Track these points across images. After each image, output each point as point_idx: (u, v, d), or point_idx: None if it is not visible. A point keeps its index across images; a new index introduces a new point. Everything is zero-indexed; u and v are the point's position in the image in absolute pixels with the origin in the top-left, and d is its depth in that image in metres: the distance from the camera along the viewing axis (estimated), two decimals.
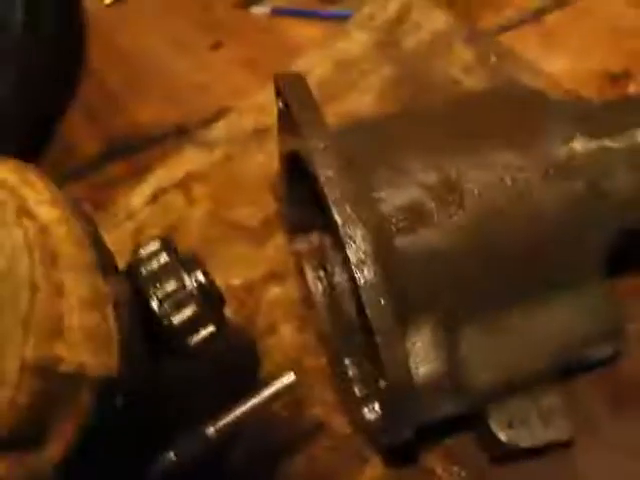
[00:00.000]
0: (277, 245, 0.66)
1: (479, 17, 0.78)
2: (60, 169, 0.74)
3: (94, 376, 0.38)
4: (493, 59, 0.71)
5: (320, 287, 0.60)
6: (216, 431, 0.48)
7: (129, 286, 0.46)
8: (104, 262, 0.42)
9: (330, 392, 0.59)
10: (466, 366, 0.51)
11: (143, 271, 0.48)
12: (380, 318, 0.46)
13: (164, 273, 0.48)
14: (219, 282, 0.65)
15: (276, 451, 0.57)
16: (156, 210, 0.70)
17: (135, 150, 0.75)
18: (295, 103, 0.50)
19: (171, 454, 0.47)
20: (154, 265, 0.48)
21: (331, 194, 0.47)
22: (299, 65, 0.76)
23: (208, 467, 0.53)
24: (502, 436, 0.52)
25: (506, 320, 0.52)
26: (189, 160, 0.73)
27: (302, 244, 0.61)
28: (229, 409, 0.49)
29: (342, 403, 0.58)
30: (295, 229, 0.61)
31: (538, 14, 0.76)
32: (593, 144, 0.52)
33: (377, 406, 0.53)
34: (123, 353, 0.40)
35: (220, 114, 0.75)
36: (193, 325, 0.48)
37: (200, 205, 0.70)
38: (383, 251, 0.47)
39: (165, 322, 0.47)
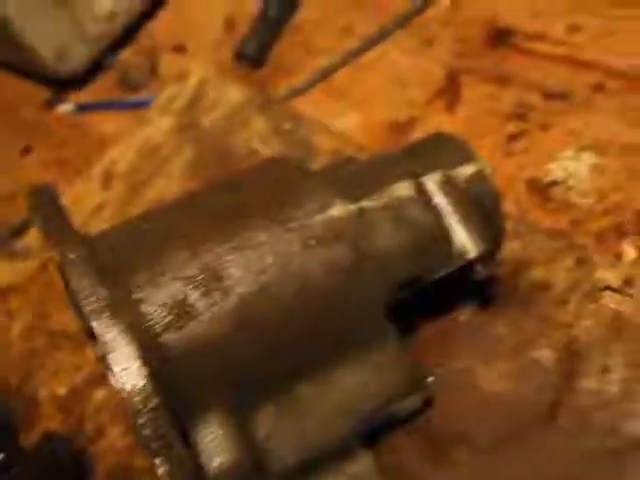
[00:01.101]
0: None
1: (274, 85, 0.79)
2: None
3: None
4: (287, 126, 0.72)
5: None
6: None
7: None
8: None
9: None
10: (267, 448, 0.51)
11: None
12: (152, 424, 0.45)
13: None
14: (44, 394, 0.65)
15: None
16: None
17: None
18: (41, 217, 0.50)
19: None
20: None
21: (86, 304, 0.46)
22: (107, 157, 0.77)
23: None
24: None
25: (298, 395, 0.52)
26: (5, 273, 0.72)
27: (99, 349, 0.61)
28: None
29: None
30: (91, 335, 0.61)
31: (326, 74, 0.77)
32: (350, 207, 0.52)
33: None
34: None
35: (29, 221, 0.75)
36: None
37: (20, 318, 0.69)
38: (151, 352, 0.47)
39: None
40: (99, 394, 0.64)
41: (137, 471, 0.59)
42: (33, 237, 0.73)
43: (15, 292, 0.70)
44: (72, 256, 0.48)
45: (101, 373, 0.64)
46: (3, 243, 0.74)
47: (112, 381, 0.60)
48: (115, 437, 0.62)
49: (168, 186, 0.73)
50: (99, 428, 0.62)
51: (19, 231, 0.73)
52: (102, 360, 0.60)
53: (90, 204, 0.66)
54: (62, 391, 0.64)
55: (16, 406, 0.62)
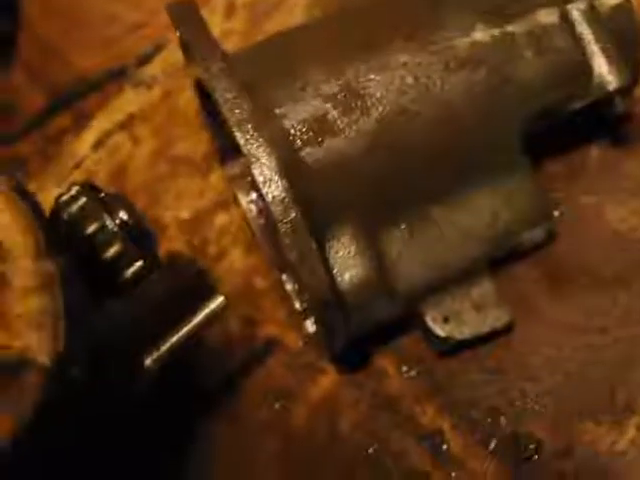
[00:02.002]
0: (221, 174, 0.67)
1: None
2: (6, 129, 0.75)
3: (41, 358, 0.40)
4: None
5: (254, 210, 0.61)
6: (153, 361, 0.50)
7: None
8: (49, 240, 0.44)
9: (282, 310, 0.60)
10: (395, 268, 0.52)
11: (65, 216, 0.49)
12: (292, 233, 0.47)
13: (84, 216, 0.49)
14: (169, 218, 0.67)
15: (233, 371, 0.59)
16: (102, 155, 0.71)
17: (78, 99, 0.76)
18: (187, 31, 0.51)
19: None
20: (74, 210, 0.49)
21: (231, 116, 0.48)
22: None
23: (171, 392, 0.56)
24: (439, 331, 0.54)
25: (429, 218, 0.53)
26: (129, 101, 0.73)
27: (233, 169, 0.62)
28: (165, 339, 0.50)
29: (293, 319, 0.60)
30: (226, 155, 0.62)
31: None
32: (494, 32, 0.52)
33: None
34: (72, 327, 0.41)
35: (156, 51, 0.75)
36: (120, 263, 0.49)
37: (144, 144, 0.71)
38: (290, 166, 0.48)
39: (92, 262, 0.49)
40: (222, 218, 0.66)
41: (258, 291, 0.62)
42: (158, 66, 0.74)
43: (140, 120, 0.72)
44: (216, 69, 0.49)
45: (224, 199, 0.65)
46: (129, 73, 0.75)
47: (243, 201, 0.62)
48: (237, 259, 0.64)
49: (291, 17, 0.73)
50: (221, 251, 0.64)
51: (144, 61, 0.74)
52: (232, 180, 0.62)
53: (215, 31, 0.67)
54: (186, 215, 0.66)
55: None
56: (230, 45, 0.70)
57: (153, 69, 0.74)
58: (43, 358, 0.40)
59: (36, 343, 0.40)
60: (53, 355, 0.40)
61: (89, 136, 0.72)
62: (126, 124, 0.72)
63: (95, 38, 0.79)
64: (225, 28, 0.74)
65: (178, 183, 0.68)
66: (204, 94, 0.55)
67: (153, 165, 0.70)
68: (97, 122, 0.73)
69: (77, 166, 0.71)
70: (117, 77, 0.76)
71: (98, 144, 0.72)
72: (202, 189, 0.67)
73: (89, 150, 0.71)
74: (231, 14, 0.75)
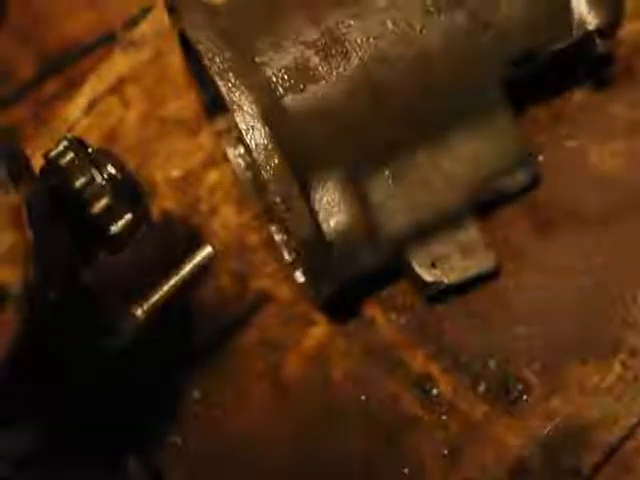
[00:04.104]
0: (211, 133, 0.67)
1: None
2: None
3: (15, 289, 0.40)
4: None
5: (243, 163, 0.62)
6: (143, 312, 0.50)
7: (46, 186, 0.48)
8: (16, 170, 0.44)
9: (273, 264, 0.61)
10: (380, 213, 0.53)
11: (55, 171, 0.50)
12: (276, 178, 0.47)
13: (73, 171, 0.50)
14: (160, 177, 0.67)
15: (227, 325, 0.60)
16: (93, 118, 0.71)
17: (69, 63, 0.76)
18: None
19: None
20: (62, 164, 0.50)
21: (212, 65, 0.48)
22: None
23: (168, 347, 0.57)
24: (427, 276, 0.54)
25: (412, 163, 0.53)
26: (119, 64, 0.74)
27: (220, 124, 0.63)
28: (154, 290, 0.51)
29: (284, 272, 0.60)
30: (213, 112, 0.62)
31: None
32: None
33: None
34: (43, 257, 0.42)
35: (144, 13, 0.75)
36: (110, 216, 0.50)
37: (135, 106, 0.71)
38: (273, 113, 0.48)
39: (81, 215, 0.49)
40: (213, 176, 0.66)
41: (249, 247, 0.62)
42: (147, 28, 0.74)
43: (130, 82, 0.72)
44: (198, 21, 0.49)
45: (214, 158, 0.66)
46: (118, 36, 0.75)
47: (231, 156, 0.62)
48: (229, 215, 0.64)
49: None
50: (213, 208, 0.65)
51: (133, 23, 0.75)
52: (221, 135, 0.63)
53: None
54: (177, 173, 0.67)
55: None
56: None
57: (142, 31, 0.74)
58: (16, 291, 0.40)
59: (8, 277, 0.40)
60: (26, 285, 0.40)
61: (81, 100, 0.72)
62: (116, 87, 0.72)
63: (81, 3, 0.80)
64: None
65: (168, 143, 0.68)
66: (189, 50, 0.55)
67: (143, 126, 0.70)
68: (88, 86, 0.73)
69: (69, 130, 0.71)
70: (107, 40, 0.76)
71: (89, 108, 0.72)
72: (192, 148, 0.67)
73: (81, 114, 0.72)
74: None
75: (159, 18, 0.74)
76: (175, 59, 0.71)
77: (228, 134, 0.62)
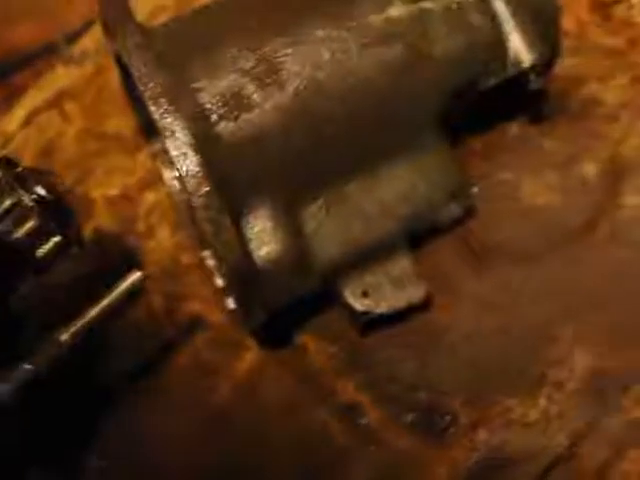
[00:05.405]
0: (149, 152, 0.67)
1: None
2: None
3: None
4: None
5: (177, 186, 0.61)
6: (70, 336, 0.50)
7: None
8: None
9: (207, 287, 0.61)
10: (313, 243, 0.52)
11: None
12: (205, 206, 0.47)
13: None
14: (97, 194, 0.67)
15: (158, 347, 0.59)
16: (31, 132, 0.70)
17: (8, 74, 0.75)
18: (105, 8, 0.51)
19: (26, 365, 0.49)
20: None
21: (146, 90, 0.48)
22: None
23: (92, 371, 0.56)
24: (357, 305, 0.54)
25: (347, 193, 0.53)
26: (60, 77, 0.73)
27: (157, 145, 0.62)
28: (82, 314, 0.50)
29: (217, 296, 0.60)
30: (151, 132, 0.62)
31: None
32: (410, 7, 0.52)
33: None
34: None
35: (86, 26, 0.75)
36: (36, 238, 0.49)
37: (74, 122, 0.71)
38: (205, 140, 0.48)
39: (6, 239, 0.49)
40: (150, 196, 0.65)
41: (184, 268, 0.62)
42: (89, 42, 0.73)
43: (70, 96, 0.71)
44: (132, 44, 0.49)
45: (153, 177, 0.65)
46: (59, 49, 0.74)
47: (167, 178, 0.62)
48: (164, 237, 0.64)
49: None
50: (149, 228, 0.64)
51: (75, 36, 0.74)
52: (157, 156, 0.62)
53: (148, 8, 0.66)
54: (114, 192, 0.66)
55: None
56: (163, 21, 0.70)
57: (84, 45, 0.74)
58: None
59: None
60: None
61: (19, 113, 0.71)
62: (56, 101, 0.72)
63: (24, 13, 0.79)
64: (158, 4, 0.74)
65: (107, 160, 0.68)
66: (126, 71, 0.55)
67: (83, 142, 0.70)
68: (27, 98, 0.72)
69: (6, 143, 0.70)
70: (48, 52, 0.75)
71: (27, 122, 0.71)
72: (131, 167, 0.67)
73: (18, 128, 0.71)
74: None
75: (101, 33, 0.74)
76: (116, 76, 0.71)
77: (164, 156, 0.62)
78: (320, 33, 0.51)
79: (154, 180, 0.65)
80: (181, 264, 0.62)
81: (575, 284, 0.55)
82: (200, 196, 0.47)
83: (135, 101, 0.59)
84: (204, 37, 0.52)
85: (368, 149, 0.53)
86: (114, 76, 0.70)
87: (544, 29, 0.54)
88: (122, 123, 0.69)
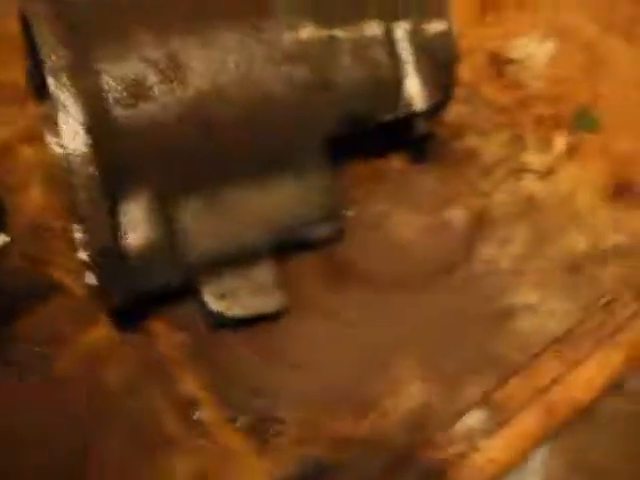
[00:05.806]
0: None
1: None
2: None
3: None
4: None
5: (60, 151, 0.61)
6: None
7: None
8: None
9: (70, 255, 0.60)
10: (183, 237, 0.53)
11: None
12: (84, 188, 0.48)
13: None
14: None
15: (11, 307, 0.59)
16: None
17: None
18: None
19: None
20: None
21: (48, 61, 0.48)
22: None
23: None
24: (212, 305, 0.56)
25: (226, 196, 0.54)
26: None
27: (45, 108, 0.61)
28: None
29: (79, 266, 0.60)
30: (41, 92, 0.61)
31: None
32: (321, 33, 0.54)
33: None
34: None
35: None
36: None
37: None
38: (99, 122, 0.48)
39: None
40: (29, 151, 0.65)
41: (50, 232, 0.62)
42: None
43: None
44: (43, 12, 0.48)
45: (35, 133, 0.64)
46: None
47: (50, 142, 0.61)
48: (37, 195, 0.63)
49: None
50: (21, 183, 0.64)
51: None
52: (45, 120, 0.62)
53: None
54: None
55: None
56: None
57: None
58: None
59: None
60: None
61: None
62: None
63: None
64: None
65: None
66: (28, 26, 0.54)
67: None
68: None
69: None
70: None
71: None
72: (16, 118, 0.66)
73: None
74: None
75: None
76: (16, 25, 0.70)
77: (51, 122, 0.61)
78: (231, 41, 0.52)
79: (36, 136, 0.64)
80: (48, 226, 0.62)
81: (420, 321, 0.58)
82: (81, 177, 0.47)
83: (33, 58, 0.58)
84: (119, 18, 0.52)
85: (256, 158, 0.54)
86: (14, 24, 0.69)
87: (440, 75, 0.57)
88: (16, 73, 0.67)
